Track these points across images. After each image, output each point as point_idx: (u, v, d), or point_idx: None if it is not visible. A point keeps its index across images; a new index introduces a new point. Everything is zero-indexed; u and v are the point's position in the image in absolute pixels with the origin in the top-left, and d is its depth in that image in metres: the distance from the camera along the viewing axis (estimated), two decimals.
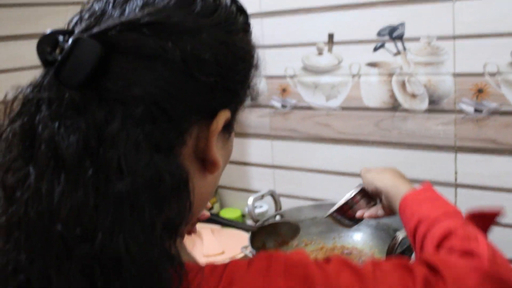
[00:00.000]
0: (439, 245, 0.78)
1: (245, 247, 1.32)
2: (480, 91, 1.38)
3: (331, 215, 1.19)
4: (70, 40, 0.54)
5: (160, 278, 0.55)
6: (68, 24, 0.61)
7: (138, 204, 0.54)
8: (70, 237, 0.52)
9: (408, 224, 0.90)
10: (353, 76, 1.60)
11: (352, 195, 1.14)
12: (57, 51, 0.55)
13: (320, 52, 1.64)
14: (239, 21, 0.66)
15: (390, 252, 1.16)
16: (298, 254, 0.64)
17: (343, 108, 1.64)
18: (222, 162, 0.67)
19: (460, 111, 1.43)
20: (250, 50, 0.68)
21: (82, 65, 0.54)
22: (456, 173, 1.48)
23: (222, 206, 2.03)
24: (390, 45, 1.51)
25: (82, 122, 0.54)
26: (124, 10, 0.59)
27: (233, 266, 0.61)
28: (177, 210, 0.57)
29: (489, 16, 1.33)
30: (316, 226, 1.54)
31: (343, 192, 1.19)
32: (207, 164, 0.65)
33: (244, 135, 1.89)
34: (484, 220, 0.84)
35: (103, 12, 0.59)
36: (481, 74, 1.37)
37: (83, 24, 0.58)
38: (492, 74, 1.35)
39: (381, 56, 1.53)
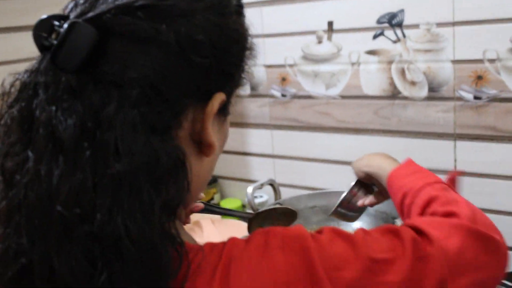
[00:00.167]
0: (422, 212, 0.83)
1: (246, 237, 1.32)
2: (479, 77, 1.38)
3: (334, 213, 1.20)
4: (66, 25, 0.55)
5: (161, 258, 0.55)
6: (64, 9, 0.62)
7: (136, 185, 0.54)
8: (70, 218, 0.53)
9: (395, 199, 0.95)
10: (353, 64, 1.59)
11: (349, 189, 1.17)
12: (53, 36, 0.56)
13: (319, 41, 1.64)
14: (232, 4, 0.66)
15: None
16: (294, 228, 0.64)
17: (343, 97, 1.64)
18: (218, 145, 0.67)
19: (460, 98, 1.42)
20: (244, 33, 0.68)
21: (78, 49, 0.55)
22: (455, 160, 1.48)
23: (222, 197, 2.03)
24: (389, 33, 1.50)
25: (79, 105, 0.55)
26: None
27: (232, 244, 0.62)
28: (175, 191, 0.58)
29: (488, 2, 1.32)
30: (315, 215, 1.54)
31: (343, 181, 1.21)
32: (203, 147, 0.65)
33: (244, 125, 1.89)
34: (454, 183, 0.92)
35: None
36: (480, 61, 1.37)
37: (78, 9, 0.59)
38: (492, 61, 1.35)
39: (381, 43, 1.53)
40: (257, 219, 1.13)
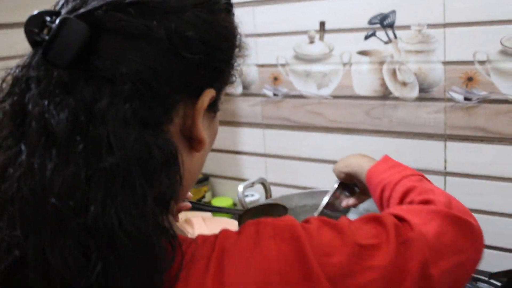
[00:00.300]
0: (401, 202, 0.87)
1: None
2: (470, 79, 1.38)
3: (319, 215, 1.20)
4: (57, 21, 0.56)
5: (155, 250, 0.56)
6: (55, 5, 0.62)
7: (129, 178, 0.55)
8: (64, 211, 0.53)
9: (374, 194, 0.99)
10: (344, 64, 1.60)
11: (332, 192, 1.19)
12: (45, 31, 0.57)
13: (311, 41, 1.64)
14: (221, 2, 0.68)
15: None
16: (284, 218, 0.65)
17: (334, 97, 1.65)
18: (208, 141, 0.69)
19: (450, 99, 1.43)
20: (233, 30, 0.69)
21: (69, 45, 0.55)
22: (445, 161, 1.48)
23: (214, 195, 2.04)
24: (381, 34, 1.51)
25: (71, 99, 0.55)
26: None
27: (224, 235, 0.63)
28: (168, 184, 0.59)
29: (479, 3, 1.33)
30: (306, 214, 1.54)
31: (334, 180, 1.21)
32: (194, 142, 0.67)
33: (236, 124, 1.89)
34: None
35: None
36: (471, 62, 1.37)
37: (70, 5, 0.60)
38: (482, 62, 1.36)
39: (372, 44, 1.53)
40: (247, 215, 1.13)
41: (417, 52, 1.46)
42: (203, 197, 1.96)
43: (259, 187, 1.70)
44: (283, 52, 1.71)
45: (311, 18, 1.63)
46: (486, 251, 1.44)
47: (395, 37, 1.48)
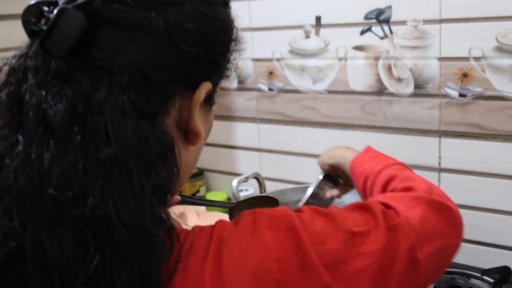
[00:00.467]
0: (383, 190, 0.89)
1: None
2: (465, 75, 1.38)
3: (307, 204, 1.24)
4: (55, 11, 0.55)
5: (152, 241, 0.56)
6: None
7: (127, 169, 0.55)
8: (62, 201, 0.53)
9: (358, 184, 1.01)
10: (340, 59, 1.60)
11: (317, 183, 1.22)
12: (42, 21, 0.57)
13: (307, 35, 1.64)
14: None
15: None
16: (280, 209, 0.67)
17: (330, 92, 1.65)
18: (204, 134, 0.69)
19: (445, 95, 1.43)
20: (230, 24, 0.69)
21: (67, 35, 0.55)
22: (440, 157, 1.48)
23: (208, 189, 2.03)
24: (377, 29, 1.50)
25: (69, 90, 0.55)
26: None
27: (221, 225, 0.63)
28: (165, 175, 0.59)
29: (475, 0, 1.33)
30: None
31: (319, 172, 1.23)
32: (190, 135, 0.67)
33: (231, 118, 1.89)
34: None
35: None
36: (466, 59, 1.37)
37: None
38: (477, 59, 1.36)
39: (368, 39, 1.53)
40: (238, 208, 1.13)
41: (413, 47, 1.46)
42: (198, 191, 1.96)
43: (254, 181, 1.70)
44: (278, 46, 1.71)
45: (307, 13, 1.62)
46: (479, 248, 1.46)
47: (391, 32, 1.48)
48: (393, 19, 1.47)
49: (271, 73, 1.75)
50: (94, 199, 0.53)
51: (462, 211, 1.45)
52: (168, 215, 0.60)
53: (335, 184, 1.22)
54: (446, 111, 1.44)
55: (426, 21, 1.41)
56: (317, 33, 1.62)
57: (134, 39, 0.58)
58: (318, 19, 1.61)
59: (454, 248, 0.80)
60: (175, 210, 1.66)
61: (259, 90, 1.80)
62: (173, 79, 0.61)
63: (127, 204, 0.55)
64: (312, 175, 1.71)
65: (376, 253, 0.65)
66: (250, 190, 1.78)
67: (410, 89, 1.49)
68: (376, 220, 0.69)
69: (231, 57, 0.70)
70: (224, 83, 0.73)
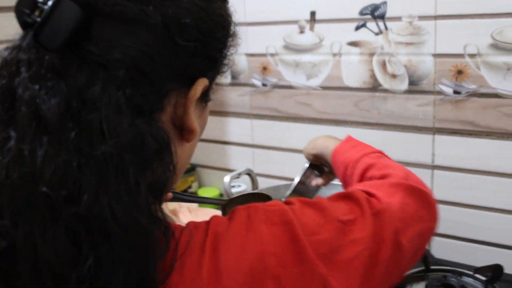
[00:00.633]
0: (362, 178, 0.93)
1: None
2: (459, 72, 1.38)
3: (292, 193, 1.28)
4: (50, 2, 0.54)
5: (148, 240, 0.55)
6: None
7: (122, 166, 0.54)
8: (55, 199, 0.52)
9: (338, 173, 1.04)
10: (334, 55, 1.59)
11: (303, 172, 1.25)
12: (36, 13, 0.55)
13: (301, 31, 1.63)
14: None
15: None
16: (273, 203, 0.67)
17: (324, 88, 1.64)
18: (199, 130, 0.68)
19: (439, 92, 1.42)
20: (228, 19, 0.68)
21: (62, 28, 0.54)
22: (433, 154, 1.48)
23: (200, 185, 2.03)
24: (371, 25, 1.50)
25: (63, 84, 0.54)
26: None
27: (215, 221, 0.63)
28: (162, 173, 0.58)
29: None
30: None
31: (305, 161, 1.25)
32: (185, 132, 0.66)
33: (224, 113, 1.88)
34: None
35: None
36: (461, 55, 1.37)
37: None
38: (472, 56, 1.35)
39: (363, 35, 1.52)
40: (231, 205, 1.12)
41: (408, 44, 1.45)
42: (190, 187, 1.95)
43: (246, 178, 1.69)
44: (273, 41, 1.70)
45: (302, 8, 1.61)
46: (472, 245, 1.45)
47: (386, 28, 1.47)
48: (388, 15, 1.46)
49: (265, 68, 1.74)
50: (89, 197, 0.52)
51: (455, 209, 1.46)
52: (163, 213, 0.59)
53: (321, 173, 1.25)
54: (440, 108, 1.43)
55: (421, 17, 1.41)
56: (311, 29, 1.61)
57: (131, 33, 0.57)
58: (312, 14, 1.60)
59: (431, 232, 0.83)
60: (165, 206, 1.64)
61: (252, 85, 1.79)
62: (170, 75, 0.60)
63: (122, 203, 0.53)
64: None
65: (366, 239, 0.67)
66: (242, 186, 1.77)
67: (405, 85, 1.48)
68: (361, 207, 0.70)
69: (228, 53, 0.69)
70: (219, 79, 0.71)
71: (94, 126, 0.53)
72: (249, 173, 1.69)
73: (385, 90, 1.52)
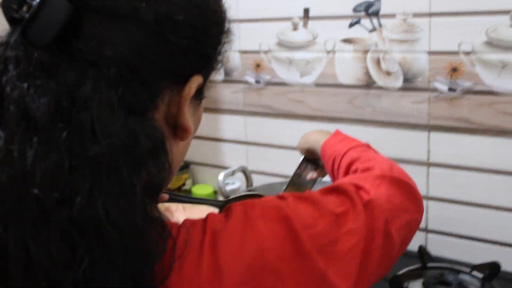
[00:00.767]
0: (347, 172, 0.95)
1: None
2: (454, 70, 1.37)
3: (288, 187, 1.31)
4: None
5: (144, 242, 0.54)
6: None
7: (115, 167, 0.52)
8: (47, 201, 0.50)
9: (327, 167, 1.07)
10: (328, 52, 1.58)
11: (298, 166, 1.28)
12: (24, 8, 0.53)
13: (295, 28, 1.62)
14: None
15: None
16: (269, 199, 0.67)
17: (317, 85, 1.63)
18: (193, 129, 0.67)
19: (434, 90, 1.42)
20: (222, 15, 0.67)
21: (51, 24, 0.52)
22: (429, 152, 1.48)
23: (194, 183, 2.02)
24: (365, 22, 1.49)
25: (53, 83, 0.52)
26: None
27: (212, 218, 0.62)
28: (157, 172, 0.57)
29: None
30: None
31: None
32: (179, 130, 0.64)
33: (217, 111, 1.87)
34: None
35: None
36: (456, 53, 1.36)
37: None
38: (467, 53, 1.35)
39: (357, 32, 1.51)
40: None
41: (402, 41, 1.44)
42: (184, 184, 1.94)
43: (240, 175, 1.68)
44: (266, 38, 1.69)
45: (295, 5, 1.60)
46: (468, 243, 1.45)
47: (380, 25, 1.46)
48: (382, 12, 1.45)
49: (258, 65, 1.73)
50: (82, 200, 0.51)
51: (451, 206, 1.46)
52: (160, 212, 0.58)
53: (316, 166, 1.27)
54: (435, 105, 1.43)
55: (416, 15, 1.40)
56: (305, 25, 1.60)
57: (122, 30, 0.55)
58: (306, 11, 1.59)
59: (417, 223, 0.84)
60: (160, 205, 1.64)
61: (246, 82, 1.78)
62: (163, 73, 0.59)
63: (117, 205, 0.52)
64: None
65: (359, 230, 0.68)
66: (236, 183, 1.77)
67: (399, 83, 1.47)
68: (351, 199, 0.71)
69: (222, 50, 0.68)
70: (212, 76, 0.70)
71: (86, 126, 0.52)
72: (243, 171, 1.68)
73: (380, 88, 1.51)
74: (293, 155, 1.73)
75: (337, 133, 1.12)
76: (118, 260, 0.52)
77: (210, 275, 0.56)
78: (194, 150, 1.95)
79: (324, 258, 0.62)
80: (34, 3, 0.52)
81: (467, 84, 1.37)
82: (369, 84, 1.53)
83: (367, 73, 1.52)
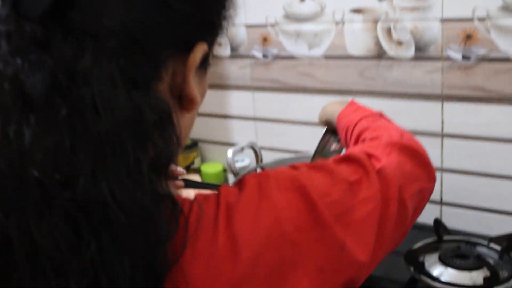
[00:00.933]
0: (356, 142, 0.96)
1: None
2: (468, 37, 1.33)
3: (313, 159, 1.29)
4: None
5: (154, 221, 0.51)
6: None
7: (120, 144, 0.50)
8: (48, 184, 0.48)
9: (341, 137, 1.09)
10: (337, 23, 1.54)
11: (321, 138, 1.27)
12: None
13: None
14: None
15: None
16: (283, 170, 0.65)
17: (326, 57, 1.59)
18: (199, 99, 0.63)
19: (448, 58, 1.38)
20: None
21: None
22: (443, 122, 1.44)
23: (203, 161, 2.00)
24: None
25: (48, 57, 0.49)
26: None
27: (225, 191, 0.60)
28: (164, 146, 0.54)
29: None
30: None
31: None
32: (184, 102, 0.61)
33: (224, 87, 1.84)
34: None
35: None
36: (470, 19, 1.32)
37: None
38: (482, 19, 1.31)
39: (366, 1, 1.47)
40: None
41: (413, 9, 1.40)
42: (192, 163, 1.92)
43: (249, 151, 1.66)
44: (272, 11, 1.65)
45: None
46: (484, 215, 1.43)
47: None
48: None
49: (265, 39, 1.69)
50: (85, 181, 0.48)
51: (467, 178, 1.43)
52: (170, 189, 0.55)
53: (338, 138, 1.25)
54: (449, 74, 1.39)
55: None
56: None
57: None
58: None
59: (429, 192, 0.85)
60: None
61: (253, 57, 1.74)
62: (166, 41, 0.56)
63: (123, 184, 0.49)
64: (309, 143, 1.67)
65: (374, 198, 0.67)
66: (246, 160, 1.74)
67: (411, 52, 1.44)
68: (364, 167, 0.70)
69: (227, 14, 0.64)
70: (216, 50, 0.67)
71: (86, 102, 0.49)
72: (253, 147, 1.66)
73: (391, 58, 1.47)
74: (303, 129, 1.71)
75: (352, 103, 1.12)
76: (127, 242, 0.50)
77: (227, 250, 0.54)
78: (202, 128, 1.93)
79: (343, 227, 0.61)
80: None
81: (482, 51, 1.33)
82: (379, 54, 1.49)
83: (378, 43, 1.48)
